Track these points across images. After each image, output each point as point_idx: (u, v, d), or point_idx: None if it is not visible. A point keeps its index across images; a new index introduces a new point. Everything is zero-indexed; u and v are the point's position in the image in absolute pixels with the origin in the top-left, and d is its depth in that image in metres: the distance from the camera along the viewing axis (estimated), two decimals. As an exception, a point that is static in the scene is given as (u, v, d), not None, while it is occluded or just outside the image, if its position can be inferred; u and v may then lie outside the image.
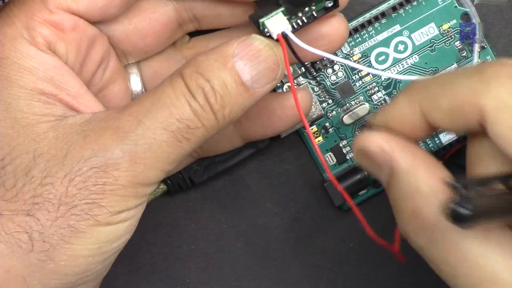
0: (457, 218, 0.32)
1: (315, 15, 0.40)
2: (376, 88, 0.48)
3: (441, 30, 0.48)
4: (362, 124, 0.48)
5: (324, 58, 0.47)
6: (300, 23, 0.39)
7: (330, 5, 0.40)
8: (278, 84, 0.47)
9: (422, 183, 0.35)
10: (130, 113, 0.37)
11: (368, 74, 0.48)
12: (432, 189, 0.35)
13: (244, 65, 0.37)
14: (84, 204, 0.35)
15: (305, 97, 0.44)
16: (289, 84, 0.47)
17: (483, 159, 0.35)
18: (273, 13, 0.38)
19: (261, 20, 0.38)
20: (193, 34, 0.45)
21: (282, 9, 0.38)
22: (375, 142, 0.36)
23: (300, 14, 0.39)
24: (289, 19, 0.39)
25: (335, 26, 0.42)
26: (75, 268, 0.36)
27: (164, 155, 0.37)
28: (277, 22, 0.38)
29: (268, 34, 0.38)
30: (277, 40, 0.38)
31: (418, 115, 0.36)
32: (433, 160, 0.36)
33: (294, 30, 0.39)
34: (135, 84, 0.44)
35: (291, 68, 0.47)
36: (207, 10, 0.42)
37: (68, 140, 0.36)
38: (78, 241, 0.36)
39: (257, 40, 0.38)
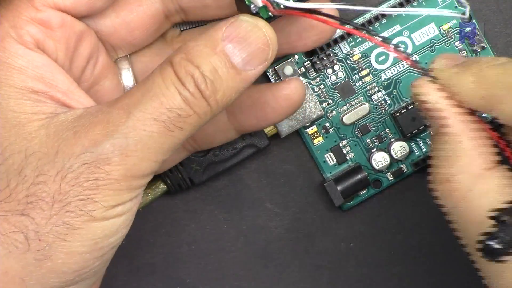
0: (487, 253, 0.32)
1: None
2: (376, 88, 0.48)
3: (441, 30, 0.48)
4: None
5: (324, 58, 0.47)
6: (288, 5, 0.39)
7: None
8: (273, 81, 0.47)
9: (463, 155, 0.36)
10: (120, 106, 0.37)
11: (368, 74, 0.48)
12: (471, 160, 0.35)
13: (233, 48, 0.37)
14: (78, 200, 0.35)
15: (298, 86, 0.44)
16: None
17: None
18: None
19: None
20: (181, 25, 0.45)
21: None
22: (432, 96, 0.37)
23: None
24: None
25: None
26: (72, 265, 0.36)
27: (157, 145, 0.36)
28: None
29: (255, 9, 0.37)
30: (263, 7, 0.38)
31: (479, 103, 0.36)
32: (483, 133, 0.36)
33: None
34: (127, 79, 0.44)
35: (290, 68, 0.47)
36: (194, 1, 0.42)
37: (59, 137, 0.36)
38: (74, 238, 0.36)
39: (246, 22, 0.37)
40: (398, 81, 0.48)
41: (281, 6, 0.38)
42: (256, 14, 0.38)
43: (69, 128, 0.36)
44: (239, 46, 0.37)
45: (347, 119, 0.48)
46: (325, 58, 0.48)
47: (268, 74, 0.48)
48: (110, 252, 0.38)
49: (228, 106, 0.38)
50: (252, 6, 0.38)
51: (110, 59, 0.43)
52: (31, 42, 0.38)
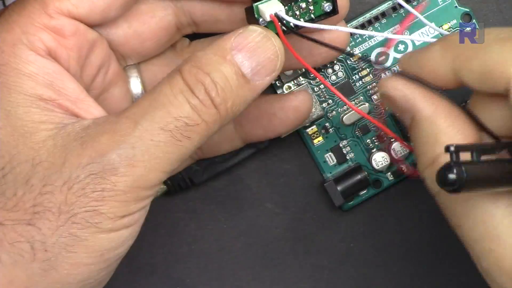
0: (442, 182, 0.32)
1: (313, 18, 0.39)
2: (376, 88, 0.48)
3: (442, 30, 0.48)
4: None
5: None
6: (299, 25, 0.39)
7: (328, 9, 0.40)
8: (278, 84, 0.47)
9: (442, 134, 0.36)
10: (127, 115, 0.36)
11: (368, 74, 0.48)
12: (452, 140, 0.35)
13: (243, 58, 0.37)
14: (84, 212, 0.35)
15: (305, 99, 0.44)
16: (289, 84, 0.47)
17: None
18: None
19: (255, 4, 0.38)
20: (191, 35, 0.45)
21: None
22: (398, 89, 0.37)
23: (297, 12, 0.39)
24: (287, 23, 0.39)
25: (336, 33, 0.42)
26: (77, 276, 0.36)
27: (164, 156, 0.36)
28: (271, 5, 0.38)
29: (264, 23, 0.38)
30: (271, 22, 0.38)
31: (448, 69, 0.36)
32: (455, 110, 0.36)
33: (289, 32, 0.39)
34: (135, 86, 0.44)
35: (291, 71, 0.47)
36: (206, 16, 0.42)
37: (66, 147, 0.36)
38: (80, 249, 0.36)
39: (255, 32, 0.38)
40: (398, 81, 0.48)
41: (291, 24, 0.38)
42: (265, 27, 0.38)
43: (76, 138, 0.36)
44: (248, 56, 0.37)
45: (347, 119, 0.48)
46: (324, 58, 0.47)
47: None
48: (115, 262, 0.38)
49: (235, 116, 0.38)
50: (260, 20, 0.38)
51: (120, 67, 0.43)
52: (43, 49, 0.37)
